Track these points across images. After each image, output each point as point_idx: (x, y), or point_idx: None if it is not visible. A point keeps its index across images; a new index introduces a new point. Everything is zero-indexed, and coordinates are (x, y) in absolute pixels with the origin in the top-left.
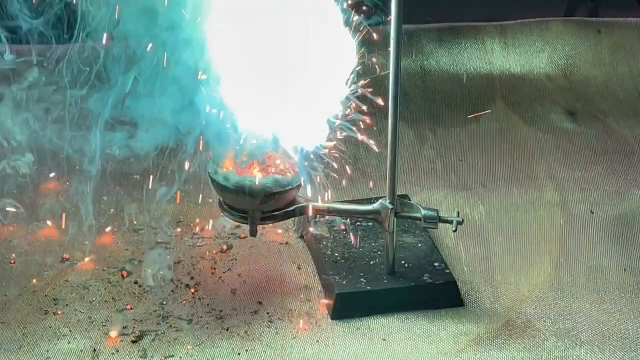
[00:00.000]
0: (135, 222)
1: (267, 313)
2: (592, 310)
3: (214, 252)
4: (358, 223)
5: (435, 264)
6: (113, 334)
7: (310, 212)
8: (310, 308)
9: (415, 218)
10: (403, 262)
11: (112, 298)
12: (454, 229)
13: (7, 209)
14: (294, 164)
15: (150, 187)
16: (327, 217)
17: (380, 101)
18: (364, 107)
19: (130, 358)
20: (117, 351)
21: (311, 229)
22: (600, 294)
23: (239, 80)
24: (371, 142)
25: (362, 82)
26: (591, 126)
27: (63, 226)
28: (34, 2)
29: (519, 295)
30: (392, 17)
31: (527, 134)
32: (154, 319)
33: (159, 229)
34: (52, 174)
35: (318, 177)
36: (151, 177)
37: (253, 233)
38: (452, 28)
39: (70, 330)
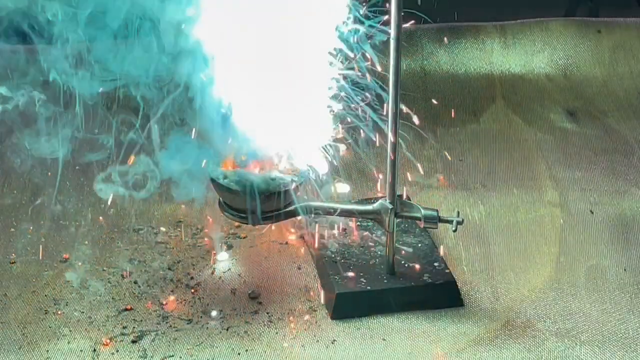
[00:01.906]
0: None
1: (267, 313)
2: (592, 310)
3: (214, 252)
4: (358, 223)
5: (435, 264)
6: (111, 336)
7: (310, 213)
8: (310, 308)
9: (415, 218)
10: (403, 262)
11: (112, 298)
12: (454, 229)
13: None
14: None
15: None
16: (327, 217)
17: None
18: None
19: (130, 358)
20: (117, 351)
21: (311, 229)
22: (600, 294)
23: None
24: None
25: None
26: (591, 126)
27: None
28: None
29: (519, 295)
30: (392, 17)
31: (527, 134)
32: (154, 319)
33: (158, 229)
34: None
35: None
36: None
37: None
38: (452, 28)
39: (70, 330)
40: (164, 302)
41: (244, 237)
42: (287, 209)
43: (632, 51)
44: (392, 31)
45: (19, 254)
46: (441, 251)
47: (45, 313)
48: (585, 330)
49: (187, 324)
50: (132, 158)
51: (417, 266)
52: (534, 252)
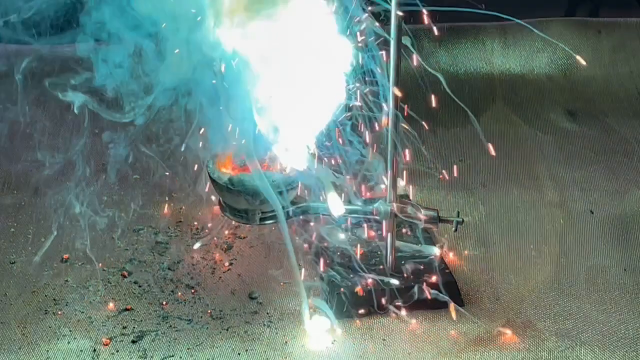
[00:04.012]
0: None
1: (267, 313)
2: (592, 310)
3: (214, 252)
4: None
5: (435, 264)
6: (111, 336)
7: (310, 213)
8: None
9: (415, 218)
10: (403, 262)
11: (112, 298)
12: (454, 229)
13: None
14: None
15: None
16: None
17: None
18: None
19: (130, 358)
20: (117, 351)
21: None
22: (600, 294)
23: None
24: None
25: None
26: (591, 126)
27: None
28: None
29: (519, 295)
30: (392, 17)
31: (527, 134)
32: (154, 319)
33: (158, 228)
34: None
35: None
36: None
37: None
38: (452, 28)
39: (70, 330)
40: (164, 303)
41: (244, 237)
42: (287, 209)
43: (632, 51)
44: (392, 31)
45: (19, 254)
46: (441, 251)
47: (45, 313)
48: (585, 330)
49: (187, 324)
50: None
51: (417, 266)
52: (534, 252)
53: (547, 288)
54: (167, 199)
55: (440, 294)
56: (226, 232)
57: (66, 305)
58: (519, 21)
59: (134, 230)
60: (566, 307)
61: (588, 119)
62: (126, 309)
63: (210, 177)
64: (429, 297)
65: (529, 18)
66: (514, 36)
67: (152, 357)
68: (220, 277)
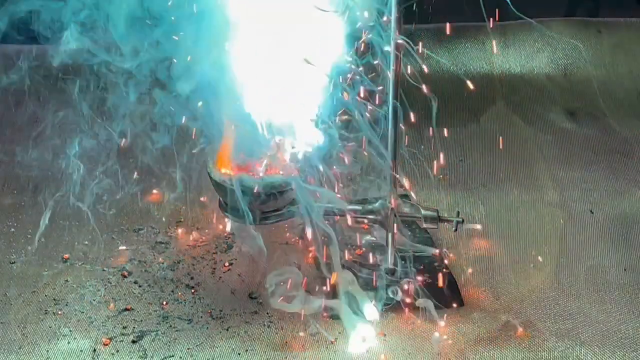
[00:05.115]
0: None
1: (267, 313)
2: (592, 310)
3: (214, 252)
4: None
5: (435, 264)
6: (111, 336)
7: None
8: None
9: (415, 218)
10: (403, 262)
11: (112, 298)
12: (454, 229)
13: None
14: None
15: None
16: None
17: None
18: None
19: (130, 358)
20: (117, 351)
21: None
22: (600, 294)
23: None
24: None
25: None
26: (591, 126)
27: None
28: None
29: (519, 295)
30: (392, 17)
31: (527, 134)
32: (154, 319)
33: (158, 228)
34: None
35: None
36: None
37: None
38: (452, 28)
39: (70, 330)
40: (164, 303)
41: None
42: (287, 209)
43: (632, 51)
44: (392, 31)
45: (19, 254)
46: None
47: (45, 313)
48: (585, 330)
49: (187, 324)
50: None
51: (417, 266)
52: (534, 252)
53: (547, 288)
54: (167, 199)
55: (440, 294)
56: (226, 232)
57: (66, 305)
58: (527, 19)
59: (134, 230)
60: (566, 307)
61: (588, 119)
62: (126, 309)
63: (210, 177)
64: (429, 297)
65: (529, 18)
66: (514, 36)
67: (152, 357)
68: (220, 277)
